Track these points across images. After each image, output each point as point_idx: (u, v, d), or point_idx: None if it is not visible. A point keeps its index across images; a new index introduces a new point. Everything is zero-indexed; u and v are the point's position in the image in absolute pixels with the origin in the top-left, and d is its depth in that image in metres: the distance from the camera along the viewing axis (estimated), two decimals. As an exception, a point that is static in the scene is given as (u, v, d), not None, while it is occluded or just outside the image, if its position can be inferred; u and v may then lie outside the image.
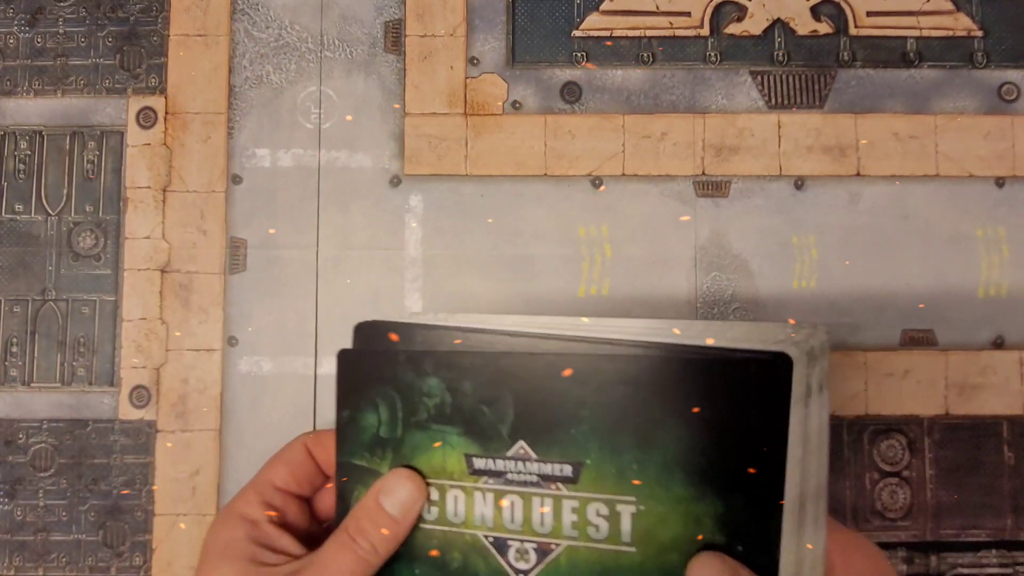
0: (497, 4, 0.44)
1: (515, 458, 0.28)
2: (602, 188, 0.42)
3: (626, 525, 0.27)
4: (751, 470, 0.25)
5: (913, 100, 0.43)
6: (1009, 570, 0.41)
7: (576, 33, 0.44)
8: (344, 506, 0.31)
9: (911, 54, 0.43)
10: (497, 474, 0.29)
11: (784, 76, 0.43)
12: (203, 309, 0.42)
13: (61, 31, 0.44)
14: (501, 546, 0.29)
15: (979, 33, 0.43)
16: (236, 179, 0.43)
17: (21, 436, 0.42)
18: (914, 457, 0.42)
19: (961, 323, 0.42)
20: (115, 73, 0.44)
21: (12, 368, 0.42)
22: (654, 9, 0.44)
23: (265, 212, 0.43)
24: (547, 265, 0.42)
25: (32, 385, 0.42)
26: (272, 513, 0.32)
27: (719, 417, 0.26)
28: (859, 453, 0.42)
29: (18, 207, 0.43)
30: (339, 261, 0.42)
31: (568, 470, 0.28)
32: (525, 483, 0.28)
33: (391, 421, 0.30)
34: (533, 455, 0.28)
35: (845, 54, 0.43)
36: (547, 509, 0.28)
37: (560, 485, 0.28)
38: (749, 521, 0.26)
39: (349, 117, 0.43)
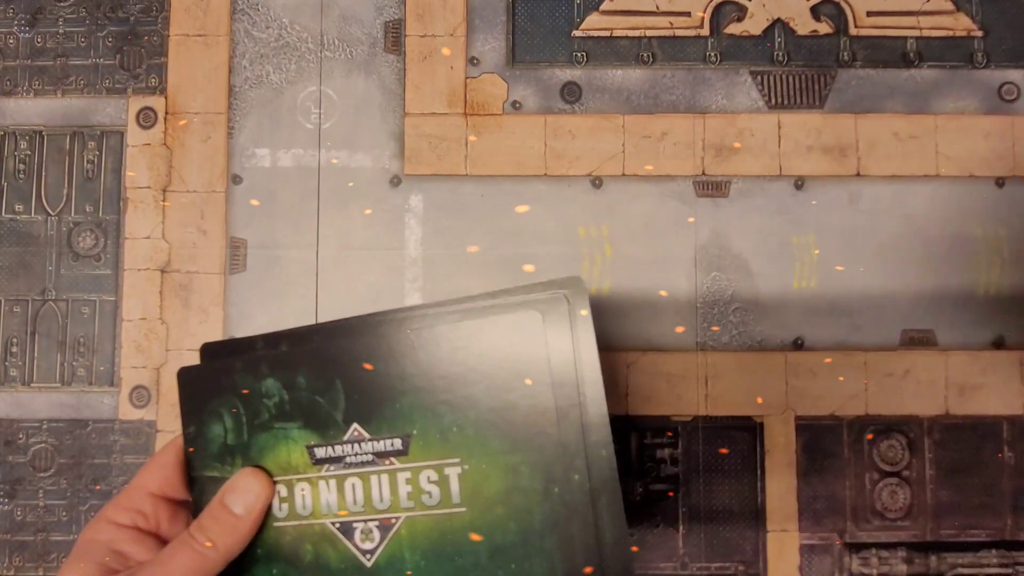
0: (497, 4, 0.44)
1: (351, 441, 0.30)
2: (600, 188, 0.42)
3: (455, 487, 0.29)
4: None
5: (913, 100, 0.43)
6: (1009, 570, 0.41)
7: (576, 33, 0.44)
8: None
9: (911, 54, 0.43)
10: (337, 460, 0.30)
11: (784, 76, 0.43)
12: (203, 309, 0.42)
13: (61, 31, 0.44)
14: (347, 530, 0.30)
15: (979, 33, 0.43)
16: (236, 179, 0.43)
17: (21, 436, 0.42)
18: (914, 457, 0.42)
19: (961, 323, 0.42)
20: (115, 73, 0.44)
21: (12, 368, 0.42)
22: (654, 9, 0.44)
23: (265, 212, 0.43)
24: (547, 265, 0.42)
25: (32, 385, 0.42)
26: (138, 524, 0.32)
27: (508, 371, 0.28)
28: (859, 453, 0.42)
29: (18, 207, 0.43)
30: (339, 261, 0.42)
31: (398, 443, 0.29)
32: (363, 463, 0.30)
33: (236, 428, 0.31)
34: (367, 435, 0.29)
35: (845, 54, 0.43)
36: (384, 485, 0.29)
37: (393, 459, 0.29)
38: (570, 455, 0.28)
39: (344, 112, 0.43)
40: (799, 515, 0.41)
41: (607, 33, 0.44)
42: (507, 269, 0.42)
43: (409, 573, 0.29)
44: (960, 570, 0.41)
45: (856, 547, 0.41)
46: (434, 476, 0.29)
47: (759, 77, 0.43)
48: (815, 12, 0.44)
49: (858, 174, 0.43)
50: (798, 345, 0.42)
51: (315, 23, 0.44)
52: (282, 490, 0.30)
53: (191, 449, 0.31)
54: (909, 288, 0.42)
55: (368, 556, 0.30)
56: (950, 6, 0.44)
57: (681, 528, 0.41)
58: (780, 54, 0.43)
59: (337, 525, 0.30)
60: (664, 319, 0.42)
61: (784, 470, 0.42)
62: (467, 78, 0.43)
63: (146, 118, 0.43)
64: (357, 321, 0.30)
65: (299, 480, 0.30)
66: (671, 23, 0.43)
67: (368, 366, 0.29)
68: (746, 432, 0.42)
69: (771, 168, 0.43)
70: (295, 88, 0.43)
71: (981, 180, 0.43)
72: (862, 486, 0.42)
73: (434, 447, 0.29)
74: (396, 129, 0.43)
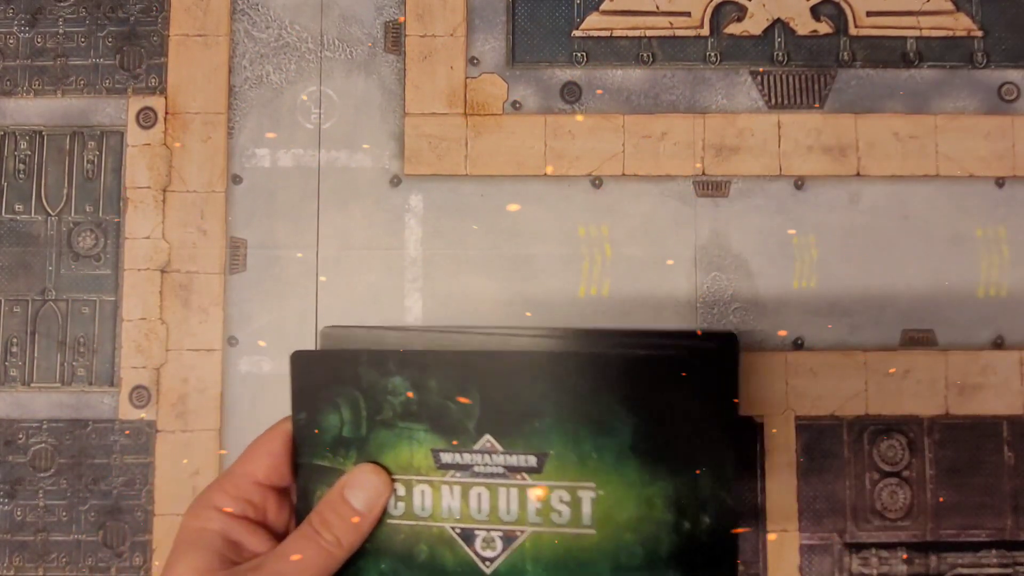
0: (497, 4, 0.44)
1: (482, 451, 0.30)
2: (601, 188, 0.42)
3: (586, 509, 0.29)
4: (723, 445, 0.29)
5: (913, 100, 0.43)
6: (1009, 570, 0.41)
7: (576, 33, 0.44)
8: (305, 506, 0.31)
9: (911, 54, 0.43)
10: (464, 467, 0.30)
11: (784, 76, 0.43)
12: (203, 309, 0.42)
13: (61, 31, 0.44)
14: (468, 536, 0.30)
15: (979, 33, 0.43)
16: (236, 179, 0.43)
17: (21, 436, 0.42)
18: (914, 457, 0.42)
19: (961, 323, 0.42)
20: (115, 73, 0.44)
21: (12, 368, 0.42)
22: (654, 9, 0.44)
23: (265, 212, 0.43)
24: (547, 265, 0.42)
25: (32, 385, 0.42)
26: (247, 514, 0.31)
27: (666, 406, 0.29)
28: (859, 453, 0.42)
29: (18, 207, 0.43)
30: (339, 261, 0.43)
31: (533, 461, 0.29)
32: (492, 475, 0.30)
33: (354, 420, 0.30)
34: (500, 448, 0.30)
35: (845, 54, 0.43)
36: (512, 498, 0.30)
37: (525, 475, 0.30)
38: (702, 499, 0.29)
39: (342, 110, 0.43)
40: (799, 515, 0.41)
41: (607, 33, 0.44)
42: (508, 269, 0.42)
43: None
44: (960, 570, 0.41)
45: (856, 547, 0.41)
46: (567, 497, 0.29)
47: (759, 77, 0.43)
48: (815, 12, 0.44)
49: (858, 174, 0.43)
50: (798, 345, 0.42)
51: (315, 23, 0.44)
52: (399, 489, 0.30)
53: (300, 436, 0.31)
54: (909, 288, 0.42)
55: (488, 564, 0.30)
56: (950, 6, 0.44)
57: (681, 528, 0.41)
58: (780, 54, 0.43)
59: (458, 530, 0.30)
60: (664, 319, 0.42)
61: (784, 470, 0.42)
62: (467, 78, 0.43)
63: (146, 118, 0.43)
64: (507, 335, 0.31)
65: (419, 481, 0.30)
66: (671, 23, 0.43)
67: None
68: (746, 432, 0.42)
69: (771, 168, 0.43)
70: (295, 88, 0.43)
71: (981, 180, 0.43)
72: (862, 486, 0.42)
73: (570, 469, 0.29)
74: (396, 129, 0.43)
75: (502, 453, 0.30)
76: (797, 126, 0.43)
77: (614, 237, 0.42)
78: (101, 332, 0.42)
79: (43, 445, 0.42)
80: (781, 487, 0.41)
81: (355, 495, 0.30)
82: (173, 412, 0.42)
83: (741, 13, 0.44)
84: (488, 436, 0.30)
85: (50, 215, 0.43)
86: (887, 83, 0.43)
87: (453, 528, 0.30)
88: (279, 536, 0.31)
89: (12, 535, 0.42)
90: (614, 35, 0.44)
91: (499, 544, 0.30)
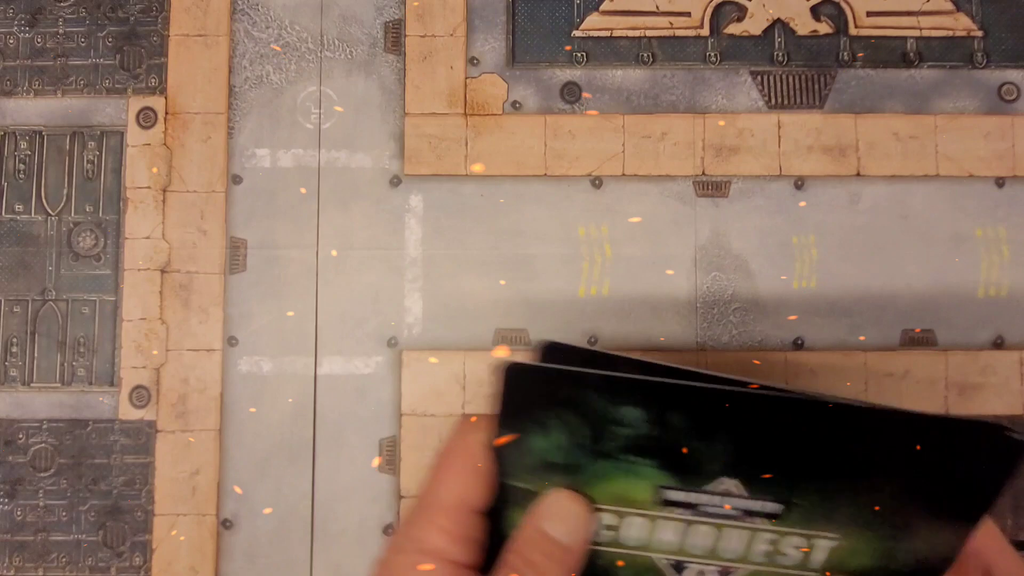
0: (497, 4, 0.44)
1: (717, 492, 0.27)
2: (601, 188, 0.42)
3: (819, 556, 0.27)
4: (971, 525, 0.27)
5: (913, 100, 0.43)
6: (1009, 570, 0.41)
7: (576, 33, 0.44)
8: (495, 529, 0.27)
9: (911, 54, 0.43)
10: (690, 506, 0.27)
11: (784, 76, 0.43)
12: (203, 309, 0.42)
13: (61, 31, 0.44)
14: (679, 567, 0.28)
15: (979, 33, 0.43)
16: (236, 179, 0.43)
17: (21, 436, 0.42)
18: (914, 457, 0.42)
19: (961, 323, 0.42)
20: (115, 73, 0.44)
21: (12, 368, 0.42)
22: (654, 9, 0.44)
23: (265, 212, 0.43)
24: (547, 265, 0.42)
25: (32, 385, 0.42)
26: (470, 560, 0.26)
27: (934, 478, 0.26)
28: (859, 453, 0.42)
29: (18, 207, 0.43)
30: (339, 261, 0.43)
31: (777, 508, 0.27)
32: (723, 515, 0.27)
33: (569, 446, 0.27)
34: (744, 492, 0.27)
35: (845, 54, 0.43)
36: (741, 538, 0.27)
37: (763, 520, 0.27)
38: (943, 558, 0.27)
39: (339, 108, 0.43)
40: (799, 515, 0.41)
41: (607, 33, 0.44)
42: (508, 269, 0.42)
43: None
44: (960, 570, 0.41)
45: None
46: (803, 544, 0.27)
47: (759, 77, 0.43)
48: (815, 12, 0.44)
49: (858, 174, 0.43)
50: (798, 345, 0.42)
51: (315, 23, 0.44)
52: (611, 519, 0.27)
53: (501, 454, 0.27)
54: (909, 288, 0.42)
55: None
56: (950, 6, 0.44)
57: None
58: (780, 54, 0.43)
59: (671, 562, 0.27)
60: (665, 318, 0.42)
61: (784, 470, 0.42)
62: (467, 78, 0.43)
63: (146, 118, 0.43)
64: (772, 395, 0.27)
65: (634, 515, 0.27)
66: (671, 23, 0.43)
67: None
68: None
69: (771, 168, 0.43)
70: (295, 88, 0.43)
71: (981, 180, 0.43)
72: (862, 486, 0.42)
73: (816, 521, 0.27)
74: (396, 129, 0.43)
75: (743, 498, 0.27)
76: (797, 126, 0.43)
77: (614, 237, 0.42)
78: (101, 332, 0.42)
79: (43, 445, 0.42)
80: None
81: (555, 527, 0.25)
82: (173, 412, 0.42)
83: (741, 13, 0.44)
84: (734, 480, 0.27)
85: (50, 215, 0.43)
86: (887, 83, 0.43)
87: (665, 559, 0.27)
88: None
89: (12, 535, 0.42)
90: (614, 35, 0.44)
91: None
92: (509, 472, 0.27)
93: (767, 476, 0.26)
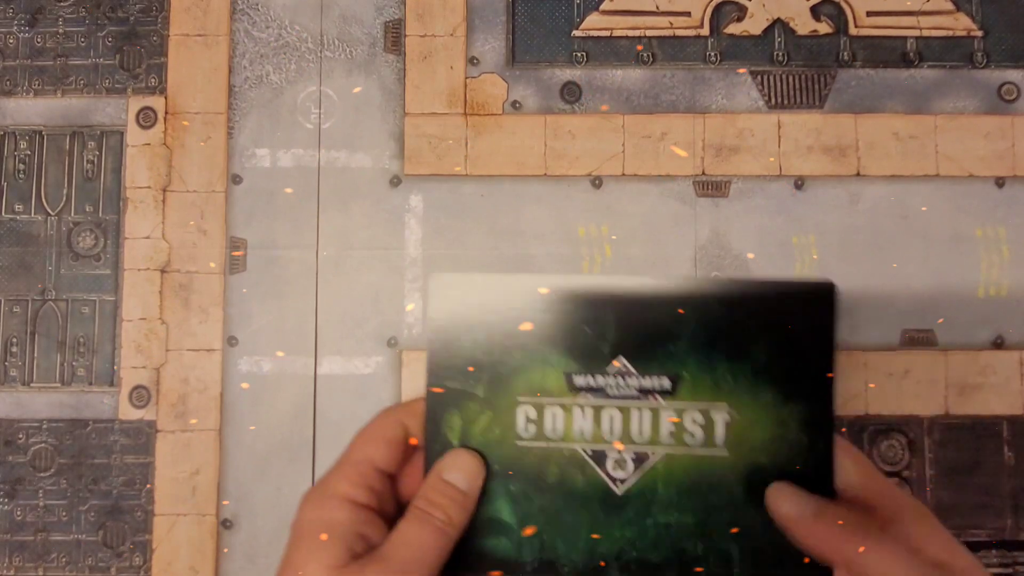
0: (497, 4, 0.44)
1: (615, 374, 0.31)
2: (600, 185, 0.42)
3: (720, 431, 0.30)
4: (830, 374, 0.30)
5: (913, 100, 0.43)
6: (1009, 570, 0.41)
7: (576, 33, 0.44)
8: (433, 429, 0.32)
9: (911, 54, 0.43)
10: (597, 390, 0.31)
11: (784, 76, 0.43)
12: (203, 309, 0.42)
13: (61, 31, 0.44)
14: (599, 457, 0.31)
15: (979, 33, 0.43)
16: (236, 179, 0.43)
17: (21, 436, 0.42)
18: (914, 457, 0.42)
19: (961, 323, 0.42)
20: (115, 73, 0.44)
21: (12, 368, 0.42)
22: (654, 9, 0.44)
23: (265, 212, 0.43)
24: (547, 265, 0.42)
25: (32, 385, 0.42)
26: (371, 503, 0.31)
27: (800, 331, 0.30)
28: (859, 453, 0.42)
29: (18, 207, 0.43)
30: (339, 261, 0.42)
31: (667, 383, 0.31)
32: (624, 396, 0.31)
33: (489, 344, 0.31)
34: (633, 370, 0.31)
35: (845, 54, 0.43)
36: (645, 420, 0.31)
37: (658, 397, 0.31)
38: (825, 422, 0.30)
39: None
40: (799, 515, 0.41)
41: (607, 33, 0.44)
42: (508, 269, 0.42)
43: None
44: (960, 570, 0.41)
45: (856, 547, 0.41)
46: (700, 419, 0.30)
47: (759, 77, 0.43)
48: (815, 12, 0.44)
49: (858, 174, 0.43)
50: (798, 345, 0.42)
51: (315, 23, 0.44)
52: (531, 411, 0.31)
53: (434, 360, 0.32)
54: (909, 288, 0.42)
55: (619, 484, 0.31)
56: (950, 6, 0.44)
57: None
58: (780, 54, 0.43)
59: (589, 452, 0.31)
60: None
61: (784, 470, 0.42)
62: (467, 78, 0.43)
63: (146, 118, 0.43)
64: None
65: (551, 404, 0.31)
66: (671, 23, 0.43)
67: (680, 311, 0.31)
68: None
69: (771, 168, 0.43)
70: (295, 88, 0.43)
71: (981, 180, 0.43)
72: (862, 486, 0.42)
73: (704, 391, 0.30)
74: (396, 129, 0.43)
75: (636, 375, 0.31)
76: (797, 126, 0.43)
77: (614, 237, 0.42)
78: (101, 332, 0.42)
79: (43, 445, 0.42)
80: (781, 487, 0.41)
81: (456, 477, 0.31)
82: (173, 412, 0.42)
83: (741, 13, 0.44)
84: (622, 359, 0.31)
85: (50, 215, 0.43)
86: (887, 83, 0.43)
87: (584, 449, 0.31)
88: (390, 523, 0.32)
89: (12, 535, 0.42)
90: (614, 35, 0.44)
91: (630, 465, 0.31)
92: (444, 376, 0.31)
93: (642, 341, 0.31)
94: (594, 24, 0.44)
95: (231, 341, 0.42)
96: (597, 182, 0.43)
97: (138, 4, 0.44)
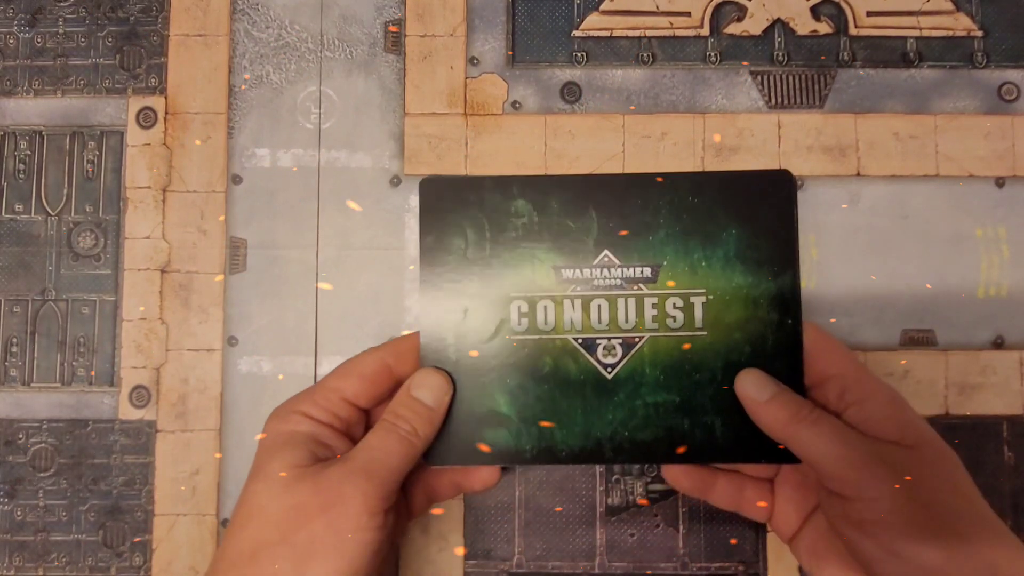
0: (497, 4, 0.44)
1: (600, 265, 0.33)
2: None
3: (698, 313, 0.33)
4: (794, 255, 0.33)
5: (913, 100, 0.43)
6: (1009, 570, 0.41)
7: (576, 33, 0.44)
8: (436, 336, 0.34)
9: (911, 54, 0.43)
10: (584, 282, 0.33)
11: (784, 76, 0.43)
12: (203, 309, 0.42)
13: (61, 31, 0.44)
14: (589, 346, 0.33)
15: (979, 33, 0.43)
16: (236, 179, 0.43)
17: (21, 436, 0.42)
18: (914, 457, 0.42)
19: (961, 323, 0.42)
20: (115, 73, 0.44)
21: (12, 368, 0.42)
22: (654, 9, 0.44)
23: (265, 212, 0.43)
24: (547, 265, 0.42)
25: (32, 385, 0.42)
26: (333, 424, 0.33)
27: (765, 218, 0.33)
28: (859, 453, 0.42)
29: (18, 207, 0.43)
30: (339, 261, 0.43)
31: (648, 272, 0.33)
32: (610, 287, 0.33)
33: (478, 242, 0.34)
34: (617, 262, 0.33)
35: (845, 54, 0.43)
36: (630, 308, 0.33)
37: (641, 286, 0.33)
38: (793, 300, 0.33)
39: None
40: (799, 515, 0.41)
41: (607, 33, 0.44)
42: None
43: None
44: (960, 570, 0.41)
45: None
46: (680, 303, 0.33)
47: (759, 77, 0.43)
48: (815, 12, 0.44)
49: (858, 174, 0.43)
50: (798, 345, 0.42)
51: (315, 23, 0.44)
52: (523, 306, 0.33)
53: (427, 257, 0.34)
54: (909, 288, 0.42)
55: (609, 369, 0.33)
56: (950, 6, 0.44)
57: (681, 528, 0.41)
58: (780, 54, 0.43)
59: (580, 341, 0.33)
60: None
61: (784, 470, 0.42)
62: (467, 78, 0.43)
63: (146, 118, 0.43)
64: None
65: (542, 298, 0.33)
66: (671, 23, 0.43)
67: (659, 179, 0.34)
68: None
69: (771, 168, 0.43)
70: (295, 88, 0.43)
71: (981, 180, 0.43)
72: (862, 486, 0.42)
73: (682, 277, 0.33)
74: (396, 129, 0.43)
75: (619, 266, 0.33)
76: (797, 126, 0.43)
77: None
78: (101, 332, 0.42)
79: (43, 445, 0.42)
80: (781, 487, 0.41)
81: (423, 394, 0.32)
82: (173, 412, 0.42)
83: (741, 13, 0.44)
84: (606, 251, 0.33)
85: (50, 215, 0.43)
86: (887, 83, 0.43)
87: (575, 339, 0.33)
88: None
89: (12, 535, 0.42)
90: (614, 35, 0.44)
91: (619, 351, 0.33)
92: (435, 275, 0.34)
93: (624, 233, 0.33)
94: (594, 24, 0.44)
95: (231, 341, 0.42)
96: (597, 182, 0.43)
97: (138, 4, 0.44)
